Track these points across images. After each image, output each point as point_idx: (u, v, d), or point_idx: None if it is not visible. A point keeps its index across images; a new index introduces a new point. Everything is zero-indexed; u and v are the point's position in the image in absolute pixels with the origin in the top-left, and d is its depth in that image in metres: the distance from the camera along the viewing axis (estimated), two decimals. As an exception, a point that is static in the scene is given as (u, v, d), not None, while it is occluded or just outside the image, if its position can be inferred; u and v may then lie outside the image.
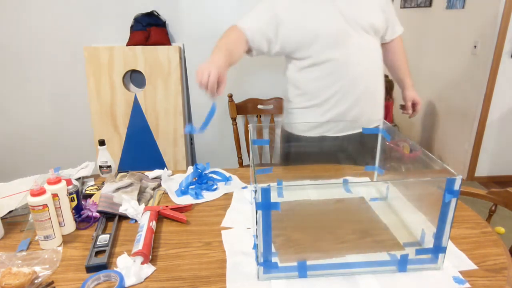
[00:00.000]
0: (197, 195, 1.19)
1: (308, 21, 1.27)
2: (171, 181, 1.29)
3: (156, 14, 2.31)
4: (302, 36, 1.29)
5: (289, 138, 1.47)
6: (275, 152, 2.09)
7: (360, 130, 1.40)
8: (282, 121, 1.17)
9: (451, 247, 0.90)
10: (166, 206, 1.09)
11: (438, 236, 0.81)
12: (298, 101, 1.42)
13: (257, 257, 0.82)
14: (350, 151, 1.43)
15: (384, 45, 1.47)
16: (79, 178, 1.29)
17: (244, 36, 1.31)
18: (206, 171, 1.31)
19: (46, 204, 0.91)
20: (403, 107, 1.58)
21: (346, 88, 1.33)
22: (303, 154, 1.43)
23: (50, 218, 0.92)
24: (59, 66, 2.46)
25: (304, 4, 1.28)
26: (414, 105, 1.55)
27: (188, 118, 2.47)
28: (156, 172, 1.34)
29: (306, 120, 1.42)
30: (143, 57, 2.26)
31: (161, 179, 1.28)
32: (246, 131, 2.17)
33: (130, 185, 1.18)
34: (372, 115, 1.42)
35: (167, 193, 1.22)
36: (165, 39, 2.30)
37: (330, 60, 1.29)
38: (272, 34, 1.31)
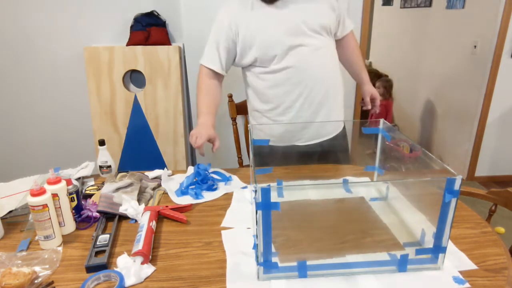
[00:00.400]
0: (197, 195, 1.19)
1: (259, 31, 1.27)
2: (171, 181, 1.29)
3: (156, 14, 2.32)
4: (256, 47, 1.28)
5: (259, 147, 1.47)
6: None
7: (328, 137, 1.43)
8: (250, 128, 1.18)
9: (451, 247, 0.90)
10: (166, 206, 1.09)
11: (438, 236, 0.81)
12: (262, 108, 1.41)
13: (257, 257, 0.83)
14: (320, 159, 1.43)
15: (337, 42, 1.47)
16: (79, 178, 1.29)
17: (218, 75, 1.39)
18: (207, 171, 1.31)
19: (46, 204, 0.91)
20: (362, 102, 1.58)
21: (307, 93, 1.32)
22: (273, 163, 1.42)
23: (50, 218, 0.92)
24: (59, 66, 2.46)
25: (252, 16, 1.28)
26: (372, 100, 1.55)
27: (188, 118, 2.47)
28: (156, 172, 1.34)
29: (273, 128, 1.42)
30: (143, 57, 2.26)
31: (161, 179, 1.29)
32: (246, 131, 2.17)
33: (130, 185, 1.18)
34: (338, 117, 1.42)
35: (167, 193, 1.22)
36: (165, 39, 2.30)
37: (287, 67, 1.29)
38: (237, 53, 1.34)
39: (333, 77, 1.38)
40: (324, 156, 1.43)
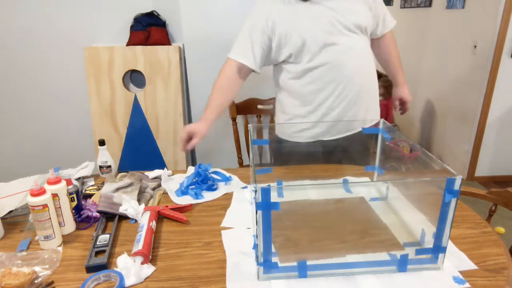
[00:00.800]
0: (197, 195, 1.19)
1: (295, 27, 1.27)
2: (171, 181, 1.29)
3: (156, 14, 2.32)
4: (292, 43, 1.28)
5: (281, 143, 1.47)
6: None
7: (355, 131, 1.41)
8: (274, 126, 1.17)
9: (451, 247, 0.90)
10: (166, 206, 1.09)
11: (438, 236, 0.81)
12: (293, 107, 1.41)
13: (257, 257, 0.83)
14: (347, 153, 1.42)
15: (375, 40, 1.47)
16: (79, 178, 1.29)
17: (244, 71, 1.35)
18: (207, 172, 1.31)
19: (46, 204, 0.91)
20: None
21: (340, 91, 1.33)
22: (297, 160, 1.42)
23: (50, 218, 0.92)
24: (59, 66, 2.46)
25: (288, 11, 1.28)
26: (403, 103, 1.55)
27: (188, 118, 2.47)
28: (156, 172, 1.34)
29: (301, 127, 1.42)
30: (143, 57, 2.26)
31: (161, 179, 1.28)
32: (246, 131, 2.17)
33: (130, 185, 1.18)
34: (367, 115, 1.42)
35: (167, 193, 1.22)
36: (165, 39, 2.30)
37: (320, 64, 1.29)
38: (272, 49, 1.32)
39: (366, 77, 1.38)
40: (346, 151, 1.43)
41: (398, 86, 1.55)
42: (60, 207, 0.97)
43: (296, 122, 1.42)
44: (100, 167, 1.32)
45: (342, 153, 1.43)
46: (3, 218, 1.06)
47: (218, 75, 1.37)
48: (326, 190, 1.01)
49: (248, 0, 2.06)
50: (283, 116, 1.46)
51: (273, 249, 0.80)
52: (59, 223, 0.97)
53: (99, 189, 1.20)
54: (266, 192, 0.72)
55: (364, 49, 1.36)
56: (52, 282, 0.81)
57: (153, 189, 1.25)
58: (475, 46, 2.79)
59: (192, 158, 2.63)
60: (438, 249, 0.82)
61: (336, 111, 1.36)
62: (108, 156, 1.32)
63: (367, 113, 1.41)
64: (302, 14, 1.27)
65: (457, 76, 3.05)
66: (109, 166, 1.32)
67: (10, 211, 1.10)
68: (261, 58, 1.34)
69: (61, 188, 0.96)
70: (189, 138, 1.27)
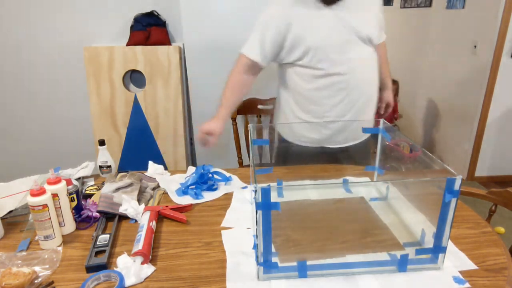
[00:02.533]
0: (197, 195, 1.19)
1: (311, 32, 1.26)
2: (171, 181, 1.29)
3: (156, 14, 2.31)
4: (306, 47, 1.27)
5: (287, 146, 1.46)
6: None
7: (361, 140, 1.43)
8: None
9: (451, 247, 0.90)
10: (166, 206, 1.09)
11: (438, 236, 0.81)
12: (299, 111, 1.40)
13: (257, 257, 0.83)
14: (352, 160, 1.42)
15: None
16: (79, 178, 1.29)
17: (256, 67, 1.35)
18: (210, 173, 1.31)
19: (46, 204, 0.91)
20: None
21: (349, 99, 1.33)
22: (299, 163, 1.42)
23: (50, 218, 0.92)
24: (59, 66, 2.46)
25: (306, 14, 1.27)
26: (387, 106, 1.59)
27: (188, 118, 2.47)
28: (153, 166, 1.34)
29: (307, 132, 1.41)
30: (143, 57, 2.25)
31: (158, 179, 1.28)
32: (246, 131, 2.17)
33: (130, 185, 1.18)
34: (369, 123, 1.42)
35: (167, 193, 1.22)
36: (165, 39, 2.30)
37: (336, 73, 1.29)
38: (283, 48, 1.31)
39: (373, 86, 1.40)
40: (351, 159, 1.43)
41: (385, 89, 1.58)
42: (60, 207, 0.97)
43: (296, 122, 1.41)
44: (100, 167, 1.32)
45: (347, 161, 1.43)
46: (3, 218, 1.06)
47: (230, 72, 1.37)
48: (326, 190, 1.01)
49: (248, 0, 2.07)
50: (285, 116, 1.46)
51: (273, 249, 0.80)
52: (59, 223, 0.97)
53: (99, 189, 1.20)
54: (266, 192, 0.72)
55: (373, 59, 1.37)
56: (52, 282, 0.81)
57: (153, 189, 1.25)
58: (475, 46, 2.79)
59: (192, 158, 2.63)
60: (438, 249, 0.82)
61: (344, 118, 1.36)
62: (108, 156, 1.32)
63: (370, 122, 1.41)
64: (319, 20, 1.26)
65: (457, 76, 3.05)
66: (109, 166, 1.32)
67: (10, 211, 1.10)
68: (271, 54, 1.33)
69: (61, 188, 0.96)
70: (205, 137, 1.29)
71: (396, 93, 3.71)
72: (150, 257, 0.88)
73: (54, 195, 0.94)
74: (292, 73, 1.37)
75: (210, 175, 1.28)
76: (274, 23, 1.28)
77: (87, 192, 1.20)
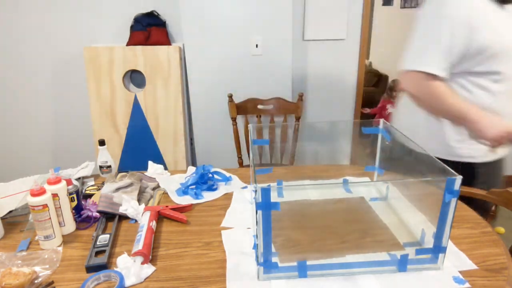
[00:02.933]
0: (197, 195, 1.19)
1: (498, 38, 1.11)
2: (171, 181, 1.29)
3: (156, 14, 2.31)
4: (490, 54, 1.11)
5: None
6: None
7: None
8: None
9: (451, 247, 0.90)
10: (166, 206, 1.09)
11: (438, 236, 0.81)
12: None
13: (257, 257, 0.83)
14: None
15: None
16: (79, 178, 1.29)
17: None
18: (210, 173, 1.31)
19: (46, 204, 0.91)
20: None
21: None
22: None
23: (50, 218, 0.92)
24: (59, 66, 2.46)
25: (491, 16, 1.12)
26: None
27: (188, 118, 2.47)
28: (153, 166, 1.34)
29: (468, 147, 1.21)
30: (143, 57, 2.25)
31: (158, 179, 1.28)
32: (246, 131, 2.17)
33: (130, 185, 1.18)
34: None
35: (167, 193, 1.22)
36: (165, 39, 2.30)
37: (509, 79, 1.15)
38: (466, 56, 1.14)
39: None
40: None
41: None
42: (60, 207, 0.97)
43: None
44: (100, 167, 1.32)
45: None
46: (3, 218, 1.06)
47: (418, 91, 1.20)
48: (326, 190, 1.01)
49: (248, 0, 2.07)
50: (435, 131, 1.24)
51: (273, 249, 0.80)
52: (59, 223, 0.97)
53: (99, 189, 1.20)
54: (266, 192, 0.72)
55: None
56: (52, 282, 0.81)
57: (153, 189, 1.25)
58: (475, 46, 2.78)
59: (192, 158, 2.63)
60: (438, 249, 0.82)
61: None
62: (108, 156, 1.32)
63: None
64: (504, 24, 1.12)
65: (457, 76, 3.04)
66: (109, 166, 1.32)
67: (10, 211, 1.10)
68: (452, 64, 1.15)
69: (61, 188, 0.96)
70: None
71: (390, 95, 3.71)
72: (150, 257, 0.88)
73: (54, 195, 0.94)
74: (465, 82, 1.18)
75: (210, 175, 1.28)
76: (462, 28, 1.09)
77: (87, 192, 1.20)
